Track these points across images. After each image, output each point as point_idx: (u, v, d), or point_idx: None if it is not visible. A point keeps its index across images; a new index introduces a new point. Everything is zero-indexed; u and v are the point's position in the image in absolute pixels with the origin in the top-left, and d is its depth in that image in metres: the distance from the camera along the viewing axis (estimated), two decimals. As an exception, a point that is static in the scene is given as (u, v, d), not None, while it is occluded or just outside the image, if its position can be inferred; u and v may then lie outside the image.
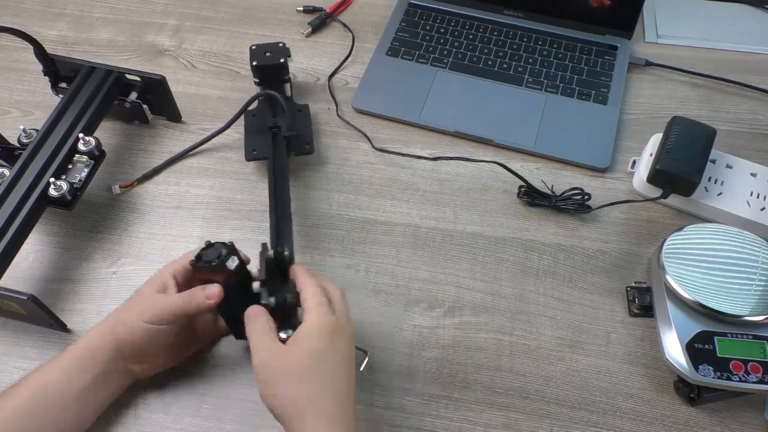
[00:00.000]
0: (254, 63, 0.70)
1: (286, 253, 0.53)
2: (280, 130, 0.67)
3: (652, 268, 0.61)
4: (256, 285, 0.51)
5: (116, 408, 0.55)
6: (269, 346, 0.47)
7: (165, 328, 0.51)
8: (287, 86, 0.73)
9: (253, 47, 0.71)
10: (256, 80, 0.72)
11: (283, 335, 0.49)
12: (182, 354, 0.56)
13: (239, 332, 0.54)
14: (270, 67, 0.71)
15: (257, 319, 0.49)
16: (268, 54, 0.71)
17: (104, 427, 0.54)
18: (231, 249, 0.52)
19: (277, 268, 0.53)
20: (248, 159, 0.69)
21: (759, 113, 0.76)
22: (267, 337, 0.48)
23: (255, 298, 0.51)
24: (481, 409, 0.56)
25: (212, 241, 0.52)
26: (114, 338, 0.51)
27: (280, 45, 0.72)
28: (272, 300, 0.50)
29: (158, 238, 0.66)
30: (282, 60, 0.70)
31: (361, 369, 0.56)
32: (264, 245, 0.53)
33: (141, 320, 0.51)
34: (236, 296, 0.51)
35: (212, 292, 0.51)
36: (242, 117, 0.71)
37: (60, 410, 0.49)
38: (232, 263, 0.51)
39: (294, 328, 0.49)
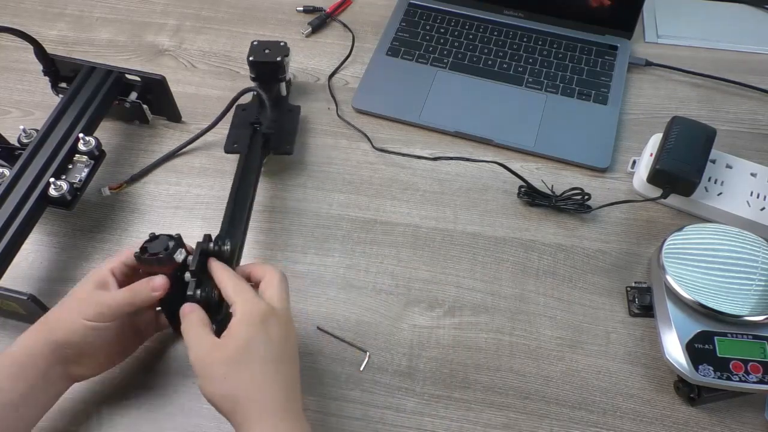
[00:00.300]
0: (251, 58, 0.70)
1: (226, 247, 0.52)
2: (261, 126, 0.68)
3: (652, 268, 0.61)
4: (187, 275, 0.51)
5: (116, 408, 0.55)
6: (204, 341, 0.46)
7: (108, 325, 0.50)
8: (282, 85, 0.73)
9: (255, 43, 0.72)
10: (252, 76, 0.72)
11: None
12: (125, 353, 0.55)
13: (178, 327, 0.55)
14: (266, 64, 0.71)
15: (192, 315, 0.48)
16: (267, 51, 0.71)
17: (104, 427, 0.54)
18: (178, 241, 0.51)
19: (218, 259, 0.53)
20: (227, 151, 0.69)
21: (759, 113, 0.76)
22: (201, 331, 0.47)
23: (185, 289, 0.50)
24: (481, 409, 0.56)
25: (157, 233, 0.52)
26: (53, 342, 0.49)
27: (281, 44, 0.72)
28: (198, 292, 0.50)
29: (158, 238, 0.66)
30: (278, 58, 0.71)
31: (361, 369, 0.56)
32: (207, 236, 0.53)
33: (83, 319, 0.49)
34: (178, 290, 0.51)
35: (158, 284, 0.50)
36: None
37: None
38: (180, 255, 0.50)
39: (217, 322, 0.49)
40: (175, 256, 0.50)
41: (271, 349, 0.46)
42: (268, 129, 0.67)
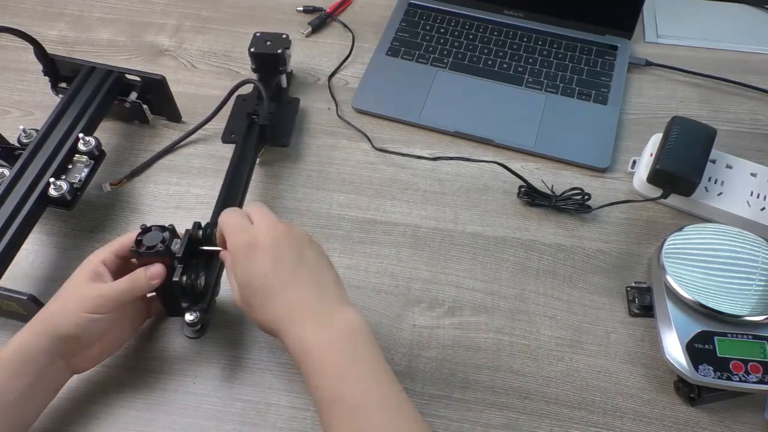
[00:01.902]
0: (252, 50, 0.71)
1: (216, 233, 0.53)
2: (258, 118, 0.68)
3: (652, 268, 0.61)
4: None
5: (116, 408, 0.55)
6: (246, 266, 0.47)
7: (107, 316, 0.50)
8: (283, 77, 0.74)
9: (257, 34, 0.72)
10: (253, 67, 0.72)
11: (190, 316, 0.50)
12: (117, 343, 0.55)
13: (173, 310, 0.56)
14: (266, 55, 0.71)
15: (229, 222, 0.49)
16: (268, 43, 0.71)
17: (105, 427, 0.54)
18: (173, 232, 0.52)
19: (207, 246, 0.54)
20: (224, 141, 0.70)
21: (759, 113, 0.76)
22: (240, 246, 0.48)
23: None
24: (481, 409, 0.56)
25: (148, 225, 0.52)
26: (54, 336, 0.49)
27: (284, 36, 0.72)
28: (184, 278, 0.51)
29: (158, 238, 0.66)
30: (279, 50, 0.71)
31: None
32: (197, 224, 0.53)
33: (83, 312, 0.49)
34: (172, 276, 0.52)
35: (155, 272, 0.51)
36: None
37: None
38: (176, 246, 0.51)
39: (203, 310, 0.50)
40: (172, 247, 0.52)
41: (297, 259, 0.47)
42: (264, 120, 0.67)
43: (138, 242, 0.52)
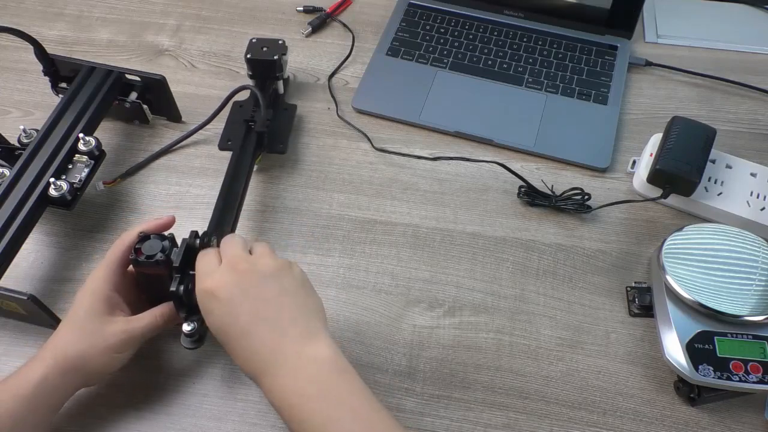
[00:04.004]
0: (248, 56, 0.70)
1: (212, 244, 0.53)
2: (256, 125, 0.68)
3: (652, 268, 0.61)
4: None
5: (116, 408, 0.55)
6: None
7: (132, 351, 0.52)
8: (280, 84, 0.74)
9: (253, 40, 0.72)
10: (249, 73, 0.72)
11: (187, 327, 0.50)
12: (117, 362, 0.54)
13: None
14: (262, 62, 0.71)
15: (231, 240, 0.49)
16: (265, 49, 0.71)
17: (105, 427, 0.54)
18: (172, 242, 0.52)
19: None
20: (221, 148, 0.70)
21: (759, 113, 0.76)
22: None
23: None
24: (481, 409, 0.56)
25: (145, 232, 0.52)
26: (84, 374, 0.49)
27: (280, 42, 0.72)
28: (181, 288, 0.50)
29: (158, 238, 0.66)
30: (275, 57, 0.71)
31: None
32: (194, 233, 0.53)
33: (113, 353, 0.50)
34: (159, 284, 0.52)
35: (165, 311, 0.53)
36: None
37: None
38: (175, 256, 0.51)
39: (199, 320, 0.50)
40: (172, 257, 0.51)
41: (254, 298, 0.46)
42: (261, 128, 0.67)
43: (136, 250, 0.52)
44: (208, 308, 0.46)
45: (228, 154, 0.67)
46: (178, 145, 0.72)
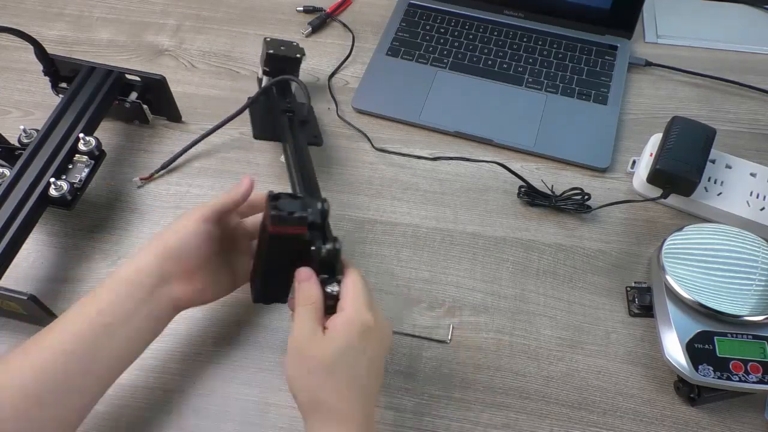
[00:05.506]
0: (270, 51, 0.70)
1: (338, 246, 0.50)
2: (294, 115, 0.68)
3: (652, 268, 0.61)
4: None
5: (117, 407, 0.55)
6: (308, 335, 0.46)
7: (210, 230, 0.52)
8: (292, 84, 0.74)
9: (268, 39, 0.72)
10: (266, 69, 0.72)
11: (332, 288, 0.48)
12: (220, 287, 0.55)
13: (267, 296, 0.54)
14: (285, 58, 0.71)
15: (309, 306, 0.47)
16: (282, 48, 0.71)
17: (105, 426, 0.54)
18: (306, 203, 0.49)
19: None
20: (256, 137, 0.69)
21: (759, 113, 0.76)
22: (311, 323, 0.46)
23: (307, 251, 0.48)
24: (481, 409, 0.56)
25: (276, 192, 0.48)
26: (162, 250, 0.50)
27: (294, 44, 0.72)
28: (324, 247, 0.47)
29: (158, 238, 0.66)
30: (298, 55, 0.71)
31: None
32: (322, 199, 0.50)
33: (188, 221, 0.51)
34: (291, 256, 0.49)
35: (247, 184, 0.54)
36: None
37: (109, 339, 0.48)
38: (317, 217, 0.48)
39: (339, 282, 0.48)
40: (309, 218, 0.48)
41: (364, 363, 0.46)
42: (305, 117, 0.67)
43: (275, 196, 0.48)
44: (360, 344, 0.46)
45: (228, 153, 0.67)
46: (180, 147, 0.72)
